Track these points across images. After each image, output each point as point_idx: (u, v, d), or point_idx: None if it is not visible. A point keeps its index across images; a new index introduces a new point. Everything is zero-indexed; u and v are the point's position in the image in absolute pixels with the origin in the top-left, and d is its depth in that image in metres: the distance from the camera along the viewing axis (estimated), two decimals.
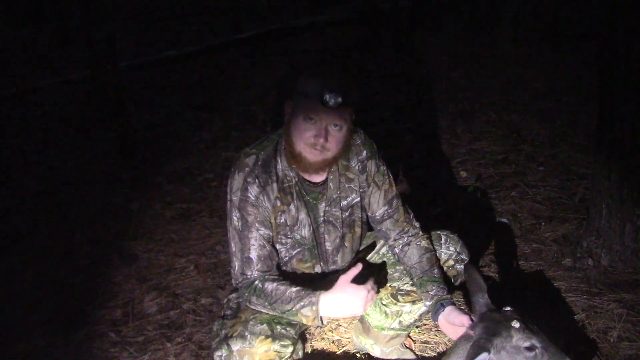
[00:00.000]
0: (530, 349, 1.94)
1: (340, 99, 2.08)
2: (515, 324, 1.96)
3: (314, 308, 2.14)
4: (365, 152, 2.37)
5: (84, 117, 6.23)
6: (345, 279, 2.17)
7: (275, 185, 2.26)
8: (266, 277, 2.25)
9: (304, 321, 2.18)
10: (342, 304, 2.14)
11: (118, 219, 4.26)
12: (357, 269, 2.18)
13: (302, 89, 2.13)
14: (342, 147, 2.23)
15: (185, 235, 3.94)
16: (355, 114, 2.22)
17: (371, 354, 2.72)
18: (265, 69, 7.05)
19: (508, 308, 2.04)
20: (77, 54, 8.23)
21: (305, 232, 2.37)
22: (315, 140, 2.16)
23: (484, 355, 1.94)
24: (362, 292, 2.13)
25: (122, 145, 5.13)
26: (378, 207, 2.43)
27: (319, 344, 2.84)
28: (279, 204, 2.28)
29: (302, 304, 2.16)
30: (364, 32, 7.94)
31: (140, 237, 3.98)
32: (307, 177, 2.31)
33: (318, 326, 2.73)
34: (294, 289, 2.19)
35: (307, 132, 2.16)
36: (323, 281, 2.52)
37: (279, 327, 2.27)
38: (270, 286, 2.22)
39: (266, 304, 2.21)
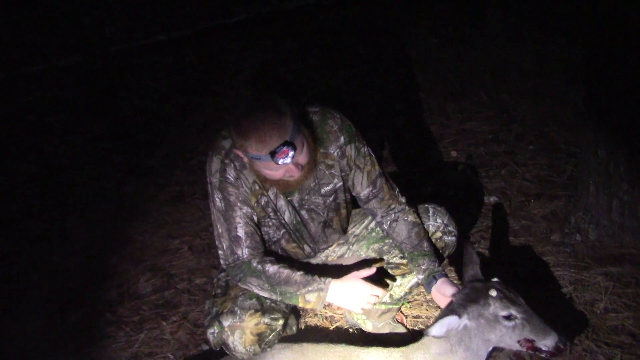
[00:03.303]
0: (509, 318, 1.98)
1: (292, 153, 2.04)
2: (493, 293, 2.00)
3: (322, 294, 2.20)
4: (342, 137, 2.37)
5: (75, 103, 6.21)
6: (357, 274, 2.26)
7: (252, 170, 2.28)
8: (265, 259, 2.29)
9: (301, 304, 2.22)
10: (349, 295, 2.21)
11: (111, 202, 4.28)
12: (371, 271, 2.28)
13: (252, 155, 2.07)
14: (311, 154, 2.21)
15: (179, 217, 3.97)
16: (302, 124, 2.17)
17: (363, 329, 2.77)
18: (255, 52, 7.03)
19: (495, 279, 2.09)
20: (67, 40, 8.18)
21: (287, 217, 2.41)
22: (289, 176, 2.17)
23: (453, 317, 1.99)
24: (368, 289, 2.23)
25: (114, 130, 5.13)
26: (362, 189, 2.45)
27: (312, 320, 2.89)
28: (257, 188, 2.31)
29: (308, 288, 2.21)
30: (354, 14, 7.91)
31: (134, 219, 4.01)
32: None
33: (313, 311, 2.80)
34: (297, 273, 2.24)
35: (277, 175, 2.15)
36: (317, 267, 2.57)
37: (268, 301, 2.31)
38: (271, 268, 2.25)
39: (266, 285, 2.24)
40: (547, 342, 1.96)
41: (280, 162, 2.04)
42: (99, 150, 5.10)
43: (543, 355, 2.00)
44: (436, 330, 2.00)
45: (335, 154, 2.37)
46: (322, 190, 2.41)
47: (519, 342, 2.00)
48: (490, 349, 2.09)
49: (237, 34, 7.75)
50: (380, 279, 2.51)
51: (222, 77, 6.46)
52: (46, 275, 3.57)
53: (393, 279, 2.60)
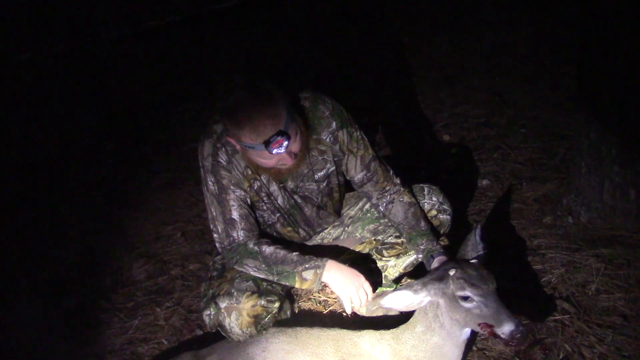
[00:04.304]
0: (465, 299, 1.99)
1: (285, 143, 2.04)
2: (451, 272, 2.02)
3: (319, 271, 2.21)
4: (334, 123, 2.36)
5: (66, 91, 6.18)
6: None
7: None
8: (261, 240, 2.30)
9: (298, 284, 2.23)
10: (344, 277, 2.23)
11: (104, 189, 4.28)
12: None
13: (245, 144, 2.07)
14: (304, 142, 2.22)
15: (172, 203, 3.97)
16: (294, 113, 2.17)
17: (357, 312, 2.78)
18: (247, 38, 7.00)
19: (473, 260, 2.10)
20: (57, 27, 8.12)
21: (280, 201, 2.41)
22: (281, 165, 2.17)
23: (405, 292, 2.02)
24: (362, 279, 2.25)
25: (106, 118, 5.12)
26: (356, 173, 2.46)
27: (306, 305, 2.89)
28: (249, 172, 2.31)
29: (305, 266, 2.22)
30: None
31: (127, 206, 4.01)
32: None
33: (309, 291, 2.81)
34: (294, 253, 2.25)
35: (270, 163, 2.15)
36: (312, 248, 2.58)
37: (265, 283, 2.32)
38: (268, 249, 2.27)
39: (263, 266, 2.25)
40: (503, 329, 1.93)
41: (274, 151, 2.04)
42: (91, 138, 5.09)
43: (501, 343, 1.98)
44: (385, 301, 2.03)
45: (328, 139, 2.37)
46: (316, 176, 2.41)
47: (479, 325, 2.00)
48: (464, 330, 2.09)
49: (229, 19, 7.70)
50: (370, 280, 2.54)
51: (213, 63, 6.44)
52: (40, 263, 3.56)
53: (379, 285, 2.67)
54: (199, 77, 6.12)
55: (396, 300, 2.02)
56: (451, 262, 2.12)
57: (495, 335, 1.97)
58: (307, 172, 2.39)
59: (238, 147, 2.17)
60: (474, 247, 2.21)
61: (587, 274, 2.78)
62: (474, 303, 1.97)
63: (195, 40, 7.29)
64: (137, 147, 4.81)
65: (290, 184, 2.38)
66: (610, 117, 2.92)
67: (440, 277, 2.04)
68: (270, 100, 2.04)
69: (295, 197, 2.43)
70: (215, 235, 2.36)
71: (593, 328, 2.50)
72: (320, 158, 2.39)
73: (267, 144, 2.02)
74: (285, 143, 2.04)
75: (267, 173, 2.28)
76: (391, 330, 2.23)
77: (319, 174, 2.42)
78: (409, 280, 2.94)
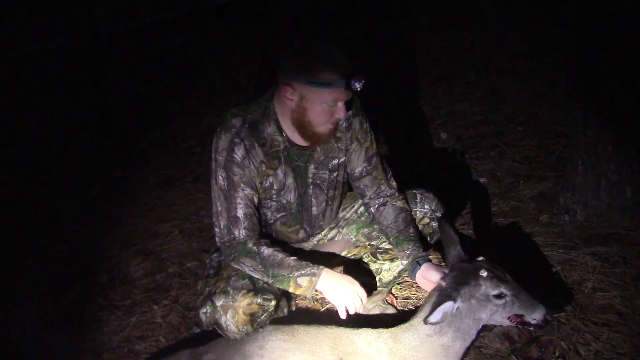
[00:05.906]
0: (499, 296, 2.01)
1: (363, 81, 2.11)
2: (483, 273, 2.02)
3: (314, 279, 2.20)
4: (350, 109, 2.37)
5: (64, 86, 6.18)
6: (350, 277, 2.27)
7: (260, 150, 2.27)
8: (261, 241, 2.30)
9: (292, 289, 2.22)
10: (338, 286, 2.21)
11: (102, 185, 4.28)
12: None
13: (322, 80, 2.09)
14: None
15: (169, 200, 3.97)
16: None
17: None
18: (245, 35, 6.99)
19: (481, 258, 2.11)
20: (55, 22, 8.10)
21: (292, 197, 2.40)
22: (339, 119, 2.21)
23: (449, 303, 2.00)
24: (357, 287, 2.22)
25: (104, 113, 5.11)
26: (357, 164, 2.46)
27: (303, 302, 2.90)
28: (264, 168, 2.30)
29: (301, 272, 2.21)
30: None
31: (125, 203, 4.01)
32: (296, 141, 2.32)
33: (302, 296, 2.81)
34: (292, 257, 2.24)
35: (332, 116, 2.19)
36: (309, 255, 2.57)
37: (261, 281, 2.32)
38: (266, 250, 2.26)
39: (260, 266, 2.25)
40: (535, 316, 2.01)
41: (356, 85, 2.10)
42: (89, 133, 5.09)
43: (531, 328, 2.05)
44: (435, 317, 2.01)
45: (343, 125, 2.38)
46: (330, 165, 2.42)
47: (508, 318, 2.03)
48: (480, 326, 2.11)
49: (227, 16, 7.70)
50: (365, 282, 2.53)
51: (212, 59, 6.43)
52: (37, 260, 3.56)
53: (375, 287, 2.66)
54: (198, 73, 6.11)
55: (442, 313, 2.02)
56: (467, 264, 2.10)
57: (525, 323, 2.03)
58: (322, 159, 2.39)
59: (293, 100, 2.16)
60: (456, 242, 2.22)
61: (583, 271, 2.79)
62: (507, 298, 2.01)
63: (194, 36, 7.28)
64: (135, 143, 4.80)
65: (310, 169, 2.37)
66: (607, 115, 2.93)
67: (466, 280, 2.04)
68: (337, 44, 2.13)
69: (311, 188, 2.42)
70: (216, 230, 2.35)
71: (589, 326, 2.51)
72: (336, 145, 2.40)
73: (349, 77, 2.08)
74: (363, 81, 2.10)
75: (307, 137, 2.27)
76: (389, 329, 2.23)
77: (332, 163, 2.42)
78: (405, 279, 2.95)
